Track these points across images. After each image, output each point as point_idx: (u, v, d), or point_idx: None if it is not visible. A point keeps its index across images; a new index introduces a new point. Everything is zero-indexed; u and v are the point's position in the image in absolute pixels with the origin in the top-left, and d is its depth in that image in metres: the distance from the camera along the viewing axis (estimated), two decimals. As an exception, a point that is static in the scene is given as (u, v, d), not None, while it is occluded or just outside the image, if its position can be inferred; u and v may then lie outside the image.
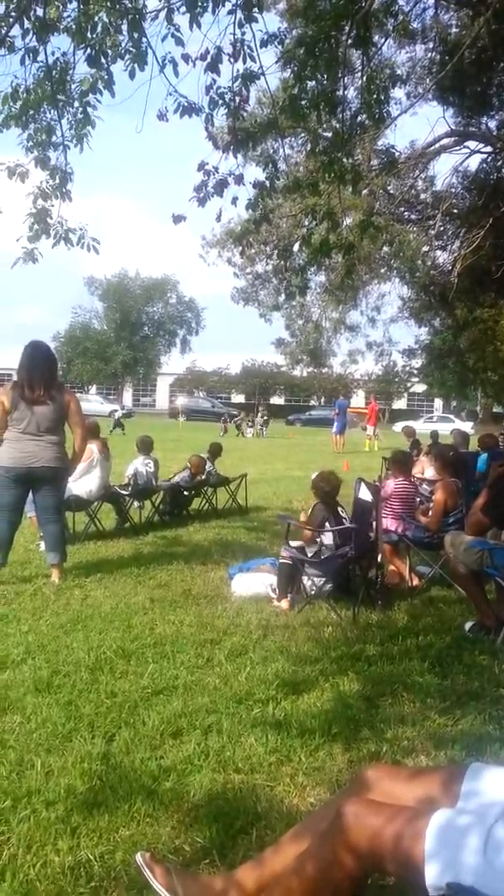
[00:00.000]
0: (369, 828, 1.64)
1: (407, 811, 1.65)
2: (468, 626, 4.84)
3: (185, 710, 3.42)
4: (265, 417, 37.76)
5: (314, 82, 5.57)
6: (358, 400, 65.38)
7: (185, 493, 9.41)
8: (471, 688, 3.80)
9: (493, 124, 13.10)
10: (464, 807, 1.64)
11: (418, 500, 6.82)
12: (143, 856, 2.05)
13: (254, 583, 5.67)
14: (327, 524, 5.52)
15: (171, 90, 4.99)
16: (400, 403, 63.88)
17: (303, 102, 5.53)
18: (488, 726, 3.32)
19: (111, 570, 6.27)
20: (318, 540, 5.55)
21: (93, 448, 7.56)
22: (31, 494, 5.87)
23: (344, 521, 5.63)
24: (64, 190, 5.52)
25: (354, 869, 1.66)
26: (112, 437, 22.24)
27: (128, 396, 67.47)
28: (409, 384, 54.20)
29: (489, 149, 12.83)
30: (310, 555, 5.47)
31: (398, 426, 30.82)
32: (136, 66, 4.69)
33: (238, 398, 66.97)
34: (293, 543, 5.55)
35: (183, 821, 2.53)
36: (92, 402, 46.82)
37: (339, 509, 5.70)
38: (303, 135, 11.44)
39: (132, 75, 4.73)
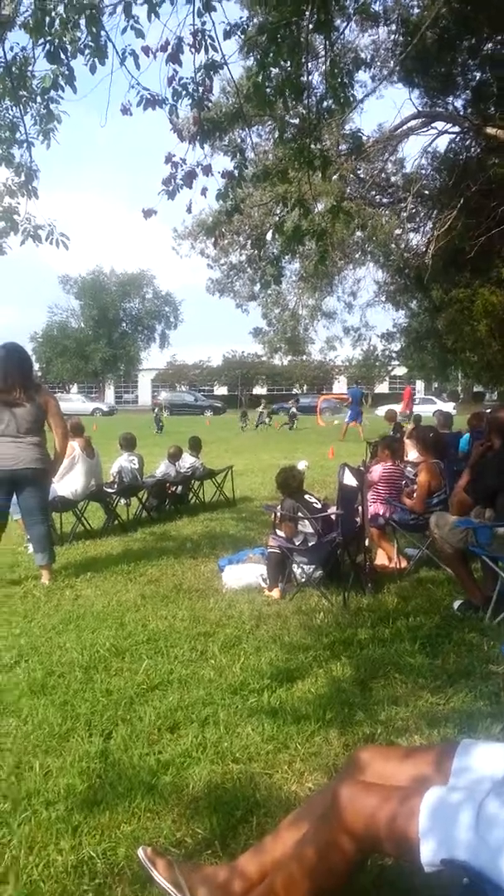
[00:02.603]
0: (364, 810, 1.66)
1: (400, 791, 1.67)
2: (457, 604, 4.89)
3: (181, 703, 3.44)
4: (293, 411, 36.18)
5: (278, 69, 5.54)
6: (340, 386, 65.59)
7: (172, 487, 9.42)
8: (461, 666, 3.85)
9: (459, 104, 13.12)
10: (455, 784, 1.67)
11: (403, 482, 6.86)
12: (145, 850, 2.07)
13: (244, 574, 5.69)
14: (300, 514, 5.54)
15: (134, 83, 4.94)
16: (382, 388, 64.08)
17: (268, 90, 5.50)
18: (479, 703, 3.36)
19: (101, 569, 6.27)
20: (300, 530, 5.57)
21: (74, 446, 7.55)
22: (15, 497, 5.85)
23: (315, 506, 5.65)
24: (30, 187, 5.48)
25: (352, 851, 1.69)
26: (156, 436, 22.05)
27: (110, 394, 67.25)
28: (389, 368, 54.36)
29: (457, 129, 12.85)
30: (297, 544, 5.50)
31: (381, 410, 30.94)
32: (96, 60, 4.64)
33: (220, 390, 66.89)
34: (280, 533, 5.57)
35: (183, 813, 2.55)
36: (74, 402, 46.63)
37: (307, 497, 5.72)
38: (269, 123, 11.40)
39: (93, 70, 4.68)
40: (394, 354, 24.99)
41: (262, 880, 1.86)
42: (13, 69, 4.95)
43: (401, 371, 49.24)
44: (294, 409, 36.17)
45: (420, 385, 58.83)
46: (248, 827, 2.44)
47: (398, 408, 31.70)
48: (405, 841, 1.57)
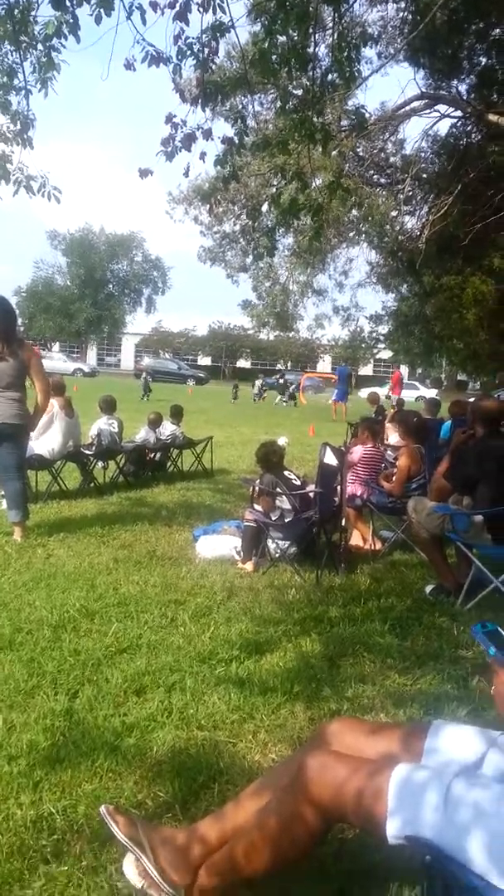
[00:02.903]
0: (332, 781, 1.67)
1: (369, 765, 1.68)
2: (429, 588, 4.94)
3: (149, 668, 3.44)
4: (293, 388, 35.95)
5: (285, 37, 5.42)
6: (324, 365, 65.51)
7: (151, 454, 9.37)
8: (430, 649, 3.89)
9: (463, 88, 12.97)
10: (425, 763, 1.68)
11: (383, 465, 6.88)
12: (107, 807, 2.07)
13: (218, 545, 5.68)
14: (278, 489, 5.55)
15: (139, 38, 4.81)
16: (366, 370, 64.12)
17: (273, 57, 5.38)
18: (446, 686, 3.40)
19: (74, 530, 6.23)
20: (277, 506, 5.58)
21: (53, 404, 7.46)
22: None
23: (294, 483, 5.66)
24: (25, 136, 5.33)
25: (316, 822, 1.69)
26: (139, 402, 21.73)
27: (92, 355, 66.53)
28: (375, 350, 54.35)
29: (459, 113, 12.71)
30: (273, 519, 5.50)
31: (363, 392, 30.97)
32: (102, 10, 4.50)
33: (204, 360, 66.52)
34: (257, 507, 5.57)
35: (146, 776, 2.56)
36: (55, 360, 46.04)
37: (287, 473, 5.73)
38: (272, 92, 11.18)
39: (98, 20, 4.54)
40: (381, 337, 24.95)
41: (221, 846, 1.86)
42: (15, 12, 4.79)
43: (386, 354, 49.26)
44: (294, 387, 36.05)
45: (404, 370, 59.02)
46: (210, 793, 2.45)
47: (382, 391, 31.78)
48: (371, 815, 1.58)
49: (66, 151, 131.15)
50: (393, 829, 1.53)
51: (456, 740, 1.76)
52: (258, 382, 36.41)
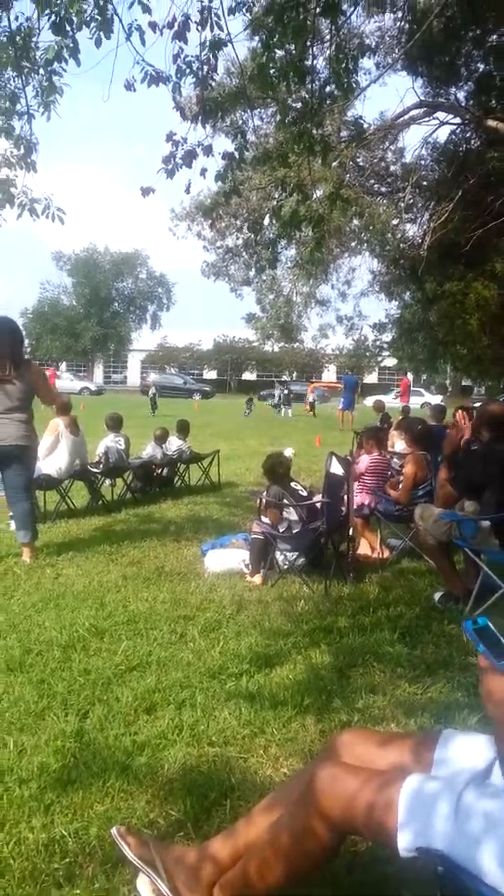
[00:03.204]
0: (343, 793, 1.66)
1: (380, 777, 1.67)
2: (437, 596, 4.91)
3: (159, 685, 3.43)
4: (286, 393, 36.12)
5: (283, 51, 5.48)
6: (329, 375, 65.49)
7: (158, 469, 9.39)
8: (440, 657, 3.87)
9: (461, 95, 13.03)
10: (435, 774, 1.67)
11: (389, 473, 6.87)
12: (119, 829, 2.06)
13: (227, 558, 5.68)
14: (285, 501, 5.54)
15: (139, 59, 4.88)
16: (371, 378, 64.02)
17: (272, 71, 5.44)
18: (457, 694, 3.38)
19: (83, 549, 6.24)
20: (284, 517, 5.57)
21: (59, 423, 7.49)
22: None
23: (300, 494, 5.66)
24: (29, 160, 5.39)
25: (328, 835, 1.68)
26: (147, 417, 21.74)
27: (99, 373, 66.82)
28: (379, 358, 54.33)
29: (458, 120, 12.77)
30: (281, 531, 5.49)
31: (369, 400, 30.97)
32: (101, 33, 4.57)
33: (210, 374, 66.65)
34: (265, 519, 5.57)
35: (157, 795, 2.55)
36: (62, 380, 46.22)
37: (293, 484, 5.73)
38: (272, 105, 11.28)
39: (98, 43, 4.61)
40: (385, 345, 24.90)
41: (234, 864, 1.85)
42: (17, 39, 4.86)
43: (391, 362, 49.28)
44: (313, 397, 36.06)
45: (409, 377, 58.90)
46: (222, 810, 2.44)
47: (387, 398, 31.72)
48: (383, 828, 1.57)
49: (68, 172, 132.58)
50: (404, 842, 1.52)
51: (466, 749, 1.75)
52: (277, 392, 36.10)
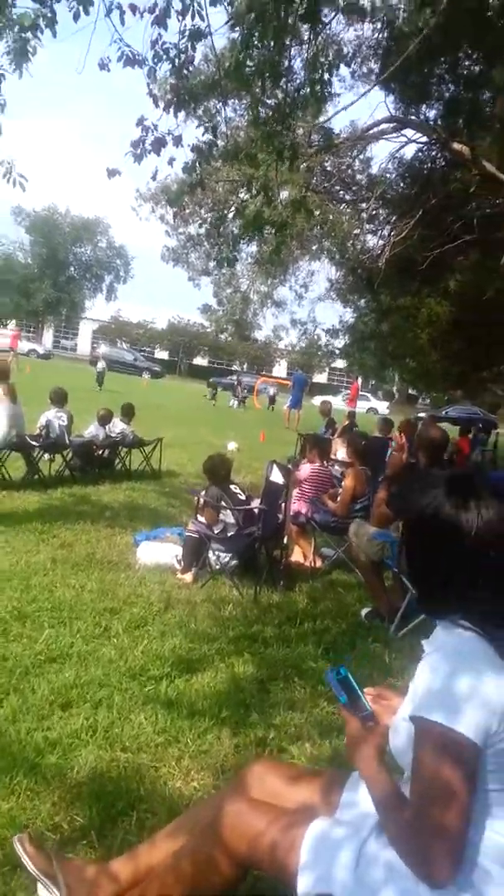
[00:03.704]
0: (249, 830, 1.67)
1: (286, 816, 1.69)
2: (364, 612, 4.99)
3: (78, 681, 3.39)
4: (272, 392, 36.03)
5: (261, 48, 5.43)
6: (280, 370, 65.74)
7: (99, 451, 9.25)
8: (362, 676, 3.87)
9: (431, 114, 13.14)
10: (340, 817, 1.70)
11: (330, 484, 6.94)
12: (20, 838, 2.02)
13: (159, 552, 5.65)
14: (223, 503, 5.55)
15: (117, 38, 4.76)
16: (321, 377, 64.59)
17: (248, 68, 5.39)
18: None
19: (13, 524, 6.11)
20: (221, 518, 5.57)
21: None
22: None
23: (239, 497, 5.67)
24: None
25: (230, 870, 1.70)
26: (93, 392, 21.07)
27: (48, 337, 65.35)
28: (330, 360, 54.86)
29: (425, 139, 12.91)
30: (216, 531, 5.49)
31: (317, 400, 31.22)
32: (81, 7, 4.44)
33: (161, 354, 65.99)
34: (201, 518, 5.55)
35: (64, 798, 2.52)
36: (8, 338, 44.88)
37: (233, 487, 5.74)
38: (246, 98, 11.15)
39: (76, 17, 4.48)
40: (336, 350, 25.06)
41: (134, 886, 1.85)
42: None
43: (342, 363, 49.87)
44: (273, 391, 36.01)
45: (359, 381, 59.64)
46: (129, 821, 2.43)
47: (335, 399, 32.01)
48: (285, 868, 1.59)
49: (36, 126, 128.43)
50: (304, 885, 1.54)
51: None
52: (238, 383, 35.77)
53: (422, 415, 27.93)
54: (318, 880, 1.52)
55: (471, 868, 1.40)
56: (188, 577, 5.31)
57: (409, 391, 49.12)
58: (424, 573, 1.58)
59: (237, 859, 1.68)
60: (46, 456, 8.57)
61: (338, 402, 30.02)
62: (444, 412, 37.04)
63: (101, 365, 30.02)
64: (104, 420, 9.42)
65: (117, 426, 9.60)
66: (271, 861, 1.61)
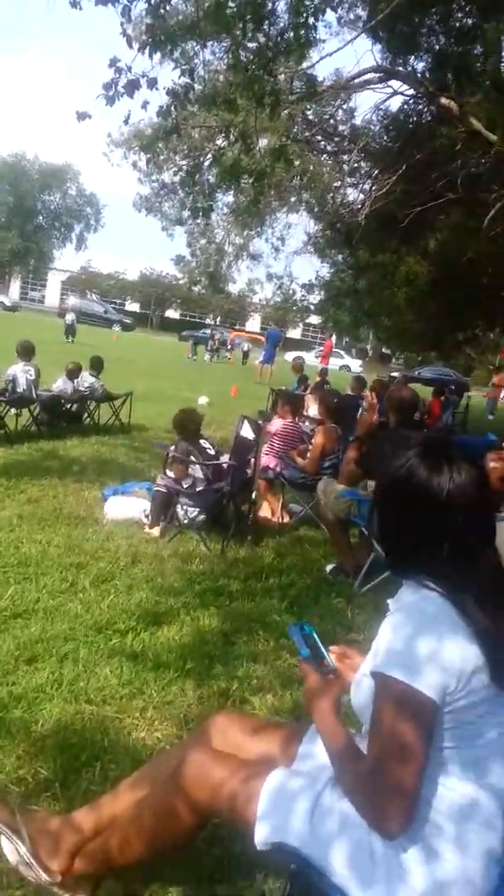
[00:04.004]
0: (209, 780, 1.70)
1: (246, 768, 1.72)
2: (329, 568, 5.06)
3: (43, 636, 3.40)
4: (247, 347, 35.84)
5: None
6: (254, 324, 65.24)
7: (67, 405, 9.14)
8: (324, 630, 3.96)
9: (419, 66, 12.82)
10: (298, 769, 1.73)
11: (299, 440, 6.94)
12: None
13: (127, 507, 5.63)
14: (192, 458, 5.53)
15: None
16: (295, 333, 64.27)
17: (229, 9, 5.19)
18: (334, 669, 3.50)
19: (-21, 480, 6.03)
20: (189, 473, 5.56)
21: None
22: None
23: (209, 452, 5.65)
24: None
25: (191, 819, 1.73)
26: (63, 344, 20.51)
27: (15, 288, 63.84)
28: (305, 315, 54.52)
29: (412, 92, 12.61)
30: (185, 486, 5.48)
31: (289, 355, 31.15)
32: None
33: (133, 306, 64.95)
34: (170, 473, 5.53)
35: (29, 751, 2.54)
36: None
37: (202, 442, 5.71)
38: (226, 40, 10.78)
39: None
40: (311, 306, 24.89)
41: (97, 836, 1.88)
42: None
43: (316, 319, 49.61)
44: (247, 347, 35.78)
45: (332, 339, 59.52)
46: (92, 772, 2.46)
47: (309, 355, 31.94)
48: (243, 818, 1.62)
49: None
50: (261, 835, 1.57)
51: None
52: (210, 340, 35.43)
53: (395, 374, 28.02)
54: (274, 830, 1.56)
55: (422, 823, 1.44)
56: (156, 531, 5.32)
57: (383, 350, 49.14)
58: (396, 535, 1.59)
59: (198, 809, 1.72)
60: (13, 411, 8.43)
61: (311, 359, 29.97)
62: (416, 373, 37.23)
63: (70, 317, 29.46)
64: (73, 374, 9.28)
65: (86, 380, 9.47)
66: (231, 811, 1.65)
